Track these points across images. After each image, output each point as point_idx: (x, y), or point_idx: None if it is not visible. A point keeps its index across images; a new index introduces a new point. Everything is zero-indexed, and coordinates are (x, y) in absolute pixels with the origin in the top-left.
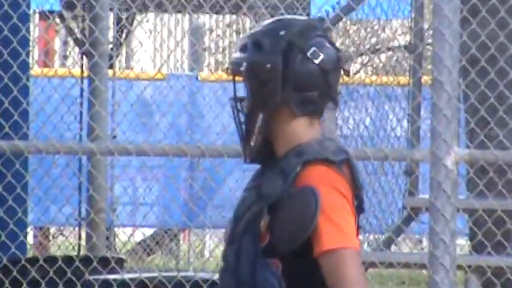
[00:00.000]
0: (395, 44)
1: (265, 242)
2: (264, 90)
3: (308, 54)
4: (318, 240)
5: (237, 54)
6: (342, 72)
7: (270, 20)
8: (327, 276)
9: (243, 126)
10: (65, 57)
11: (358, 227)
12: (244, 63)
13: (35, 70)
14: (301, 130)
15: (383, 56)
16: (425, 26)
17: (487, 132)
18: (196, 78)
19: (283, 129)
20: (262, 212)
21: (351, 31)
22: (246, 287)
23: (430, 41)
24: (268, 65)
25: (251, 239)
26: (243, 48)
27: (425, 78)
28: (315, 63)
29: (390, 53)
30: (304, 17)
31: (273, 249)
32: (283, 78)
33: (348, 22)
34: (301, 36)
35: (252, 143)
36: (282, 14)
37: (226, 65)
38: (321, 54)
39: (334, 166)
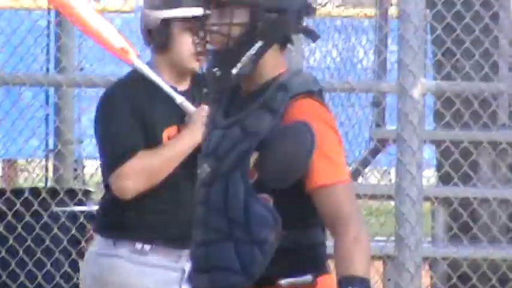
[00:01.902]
0: None
1: (253, 178)
2: (273, 19)
3: None
4: (312, 175)
5: None
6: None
7: None
8: (323, 209)
9: (215, 53)
10: None
11: None
12: None
13: (1, 2)
14: (279, 61)
15: None
16: None
17: (454, 63)
18: None
19: (264, 61)
20: (251, 148)
21: None
22: (239, 224)
23: None
24: None
25: (240, 176)
26: None
27: (393, 10)
28: None
29: None
30: None
31: (262, 185)
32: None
33: None
34: None
35: (234, 70)
36: None
37: None
38: None
39: (319, 98)
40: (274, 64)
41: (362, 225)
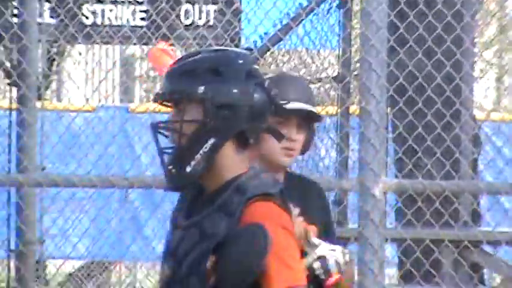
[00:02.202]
0: (324, 74)
1: (211, 282)
2: (225, 115)
3: (265, 85)
4: (267, 280)
5: (177, 81)
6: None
7: (208, 49)
8: None
9: (173, 150)
10: None
11: None
12: (202, 87)
13: None
14: (238, 160)
15: (312, 86)
16: (356, 58)
17: (415, 161)
18: (127, 110)
19: (220, 160)
20: (208, 252)
21: (280, 63)
22: None
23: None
24: (235, 90)
25: (198, 280)
26: (187, 74)
27: (354, 108)
28: (269, 95)
29: (319, 83)
30: (236, 49)
31: None
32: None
33: (276, 52)
34: (256, 67)
35: (188, 169)
36: (210, 45)
37: (157, 92)
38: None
39: (276, 200)
40: (232, 163)
41: None
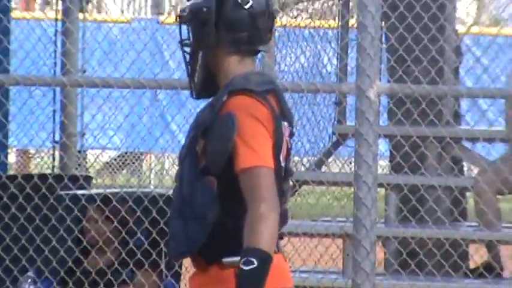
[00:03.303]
0: None
1: (202, 163)
2: (202, 31)
3: (239, 0)
4: (236, 160)
5: (184, 3)
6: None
7: None
8: (243, 191)
9: (188, 66)
10: (47, 2)
11: (290, 148)
12: (187, 9)
13: (16, 13)
14: (233, 67)
15: (316, 3)
16: None
17: (405, 69)
18: (157, 21)
19: (220, 66)
20: (196, 136)
21: None
22: (188, 203)
23: None
24: (205, 9)
25: (190, 161)
26: None
27: (353, 22)
28: (244, 8)
29: (323, 0)
30: None
31: (208, 170)
32: (217, 20)
33: None
34: None
35: (195, 79)
36: None
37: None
38: (250, 0)
39: (255, 95)
40: (231, 70)
41: (273, 209)
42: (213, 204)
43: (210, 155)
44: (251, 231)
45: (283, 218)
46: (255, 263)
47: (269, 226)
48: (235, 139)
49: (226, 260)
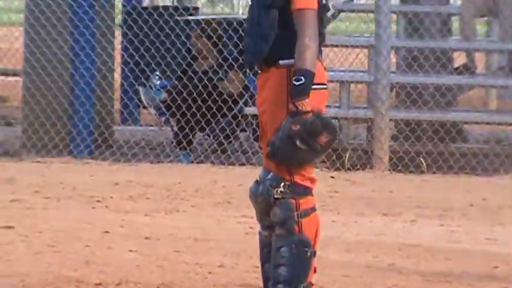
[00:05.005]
0: None
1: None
2: None
3: None
4: (292, 1)
5: None
6: None
7: None
8: (295, 25)
9: None
10: None
11: None
12: None
13: None
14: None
15: None
16: None
17: None
18: None
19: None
20: None
21: None
22: (256, 24)
23: None
24: None
25: None
26: None
27: None
28: None
29: None
30: None
31: (274, 3)
32: None
33: None
34: None
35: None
36: None
37: None
38: None
39: None
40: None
41: (314, 40)
42: (273, 27)
43: None
44: (299, 56)
45: (322, 38)
46: (303, 79)
47: (312, 52)
48: None
49: (282, 62)
